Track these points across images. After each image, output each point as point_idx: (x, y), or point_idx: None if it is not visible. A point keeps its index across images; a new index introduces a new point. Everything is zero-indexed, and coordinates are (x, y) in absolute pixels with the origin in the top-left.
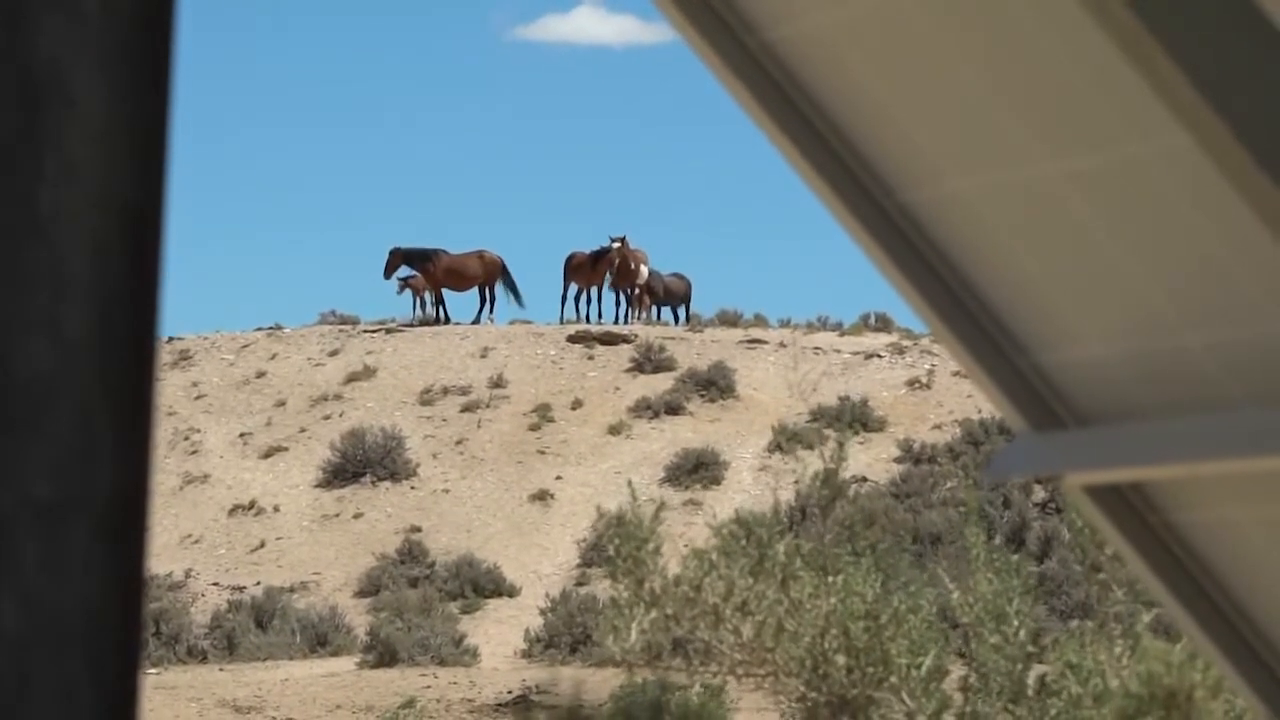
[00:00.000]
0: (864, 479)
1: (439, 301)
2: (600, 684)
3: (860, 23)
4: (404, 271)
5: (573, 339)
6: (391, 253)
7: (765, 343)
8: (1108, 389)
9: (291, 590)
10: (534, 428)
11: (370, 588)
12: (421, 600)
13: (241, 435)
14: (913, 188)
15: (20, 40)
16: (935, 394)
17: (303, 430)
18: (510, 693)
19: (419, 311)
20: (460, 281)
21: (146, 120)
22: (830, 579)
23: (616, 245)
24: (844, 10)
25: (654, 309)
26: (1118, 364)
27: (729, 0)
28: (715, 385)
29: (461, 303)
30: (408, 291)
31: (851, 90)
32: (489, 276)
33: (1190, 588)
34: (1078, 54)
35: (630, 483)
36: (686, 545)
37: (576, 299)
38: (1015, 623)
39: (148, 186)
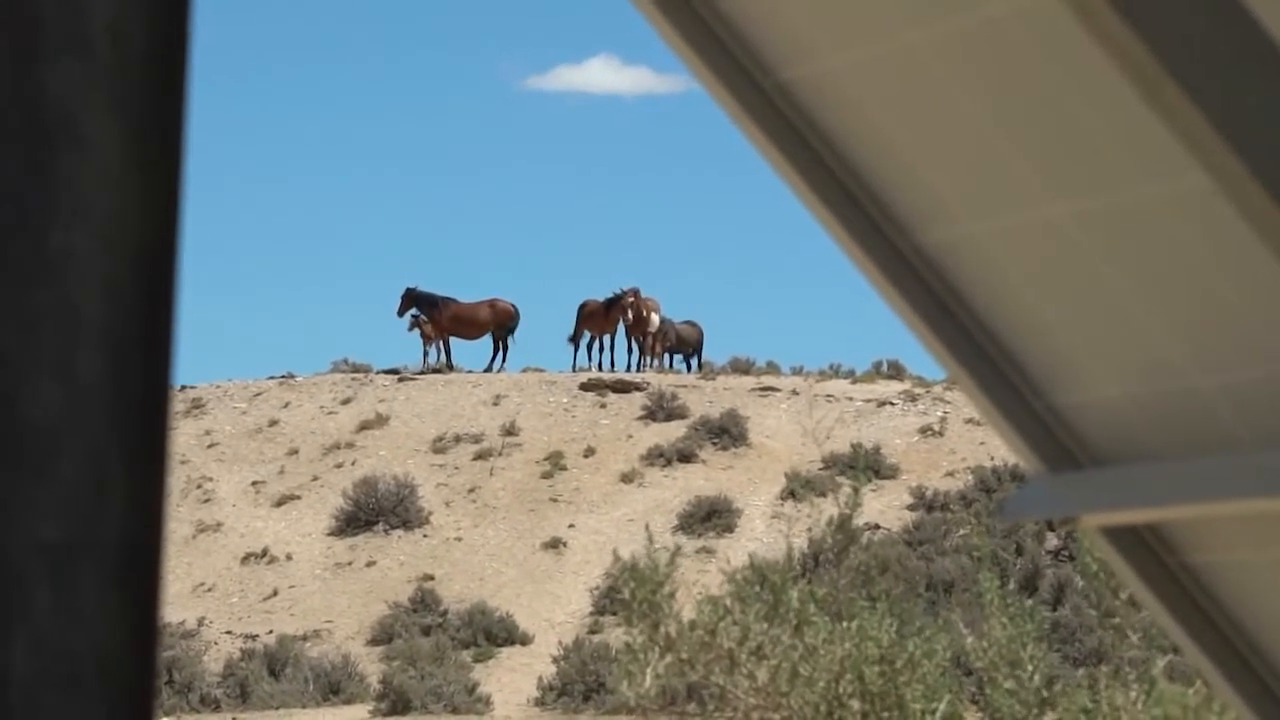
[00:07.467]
0: (877, 526)
1: (446, 349)
2: None
3: (875, 65)
4: (415, 311)
5: (585, 387)
6: (406, 291)
7: (778, 390)
8: (1122, 430)
9: (304, 639)
10: (546, 475)
11: (383, 636)
12: (434, 648)
13: (254, 484)
14: (927, 229)
15: (30, 80)
16: (948, 441)
17: (315, 478)
18: None
19: (429, 359)
20: (468, 329)
21: (159, 162)
22: (845, 624)
23: (628, 291)
24: (858, 52)
25: (666, 357)
26: (1132, 405)
27: (744, 41)
28: (728, 433)
29: (475, 350)
30: (418, 336)
31: (866, 131)
32: (500, 325)
33: (1206, 629)
34: (1089, 96)
35: (647, 527)
36: (700, 592)
37: (590, 347)
38: (1030, 668)
39: (160, 229)
